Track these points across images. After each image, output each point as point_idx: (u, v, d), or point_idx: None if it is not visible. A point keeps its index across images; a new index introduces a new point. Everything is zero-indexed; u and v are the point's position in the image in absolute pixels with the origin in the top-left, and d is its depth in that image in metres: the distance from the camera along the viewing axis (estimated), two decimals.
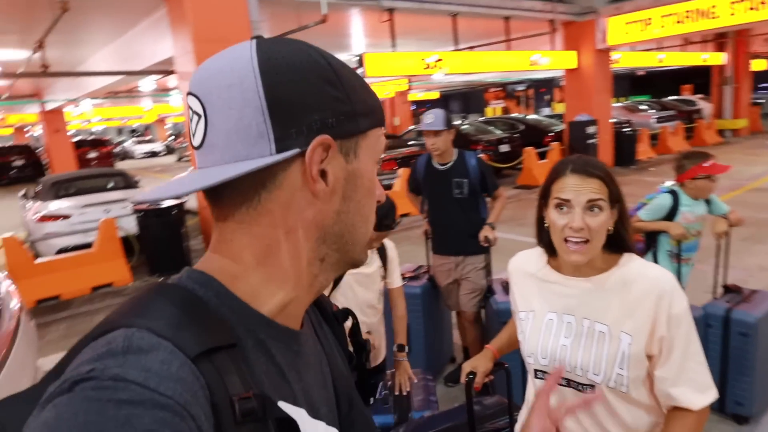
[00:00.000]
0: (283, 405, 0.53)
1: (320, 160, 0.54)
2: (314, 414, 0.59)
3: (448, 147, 3.33)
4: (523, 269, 1.46)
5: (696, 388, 1.23)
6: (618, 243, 1.31)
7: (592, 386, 1.27)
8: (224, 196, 0.56)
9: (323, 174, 0.55)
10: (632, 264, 1.30)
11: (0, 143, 25.06)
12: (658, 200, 3.14)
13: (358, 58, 9.02)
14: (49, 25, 7.21)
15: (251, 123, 0.52)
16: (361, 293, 2.39)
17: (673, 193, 3.11)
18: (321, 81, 0.54)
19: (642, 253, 3.26)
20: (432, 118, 3.25)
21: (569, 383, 1.31)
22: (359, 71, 8.98)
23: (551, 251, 1.37)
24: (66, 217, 6.94)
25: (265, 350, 0.55)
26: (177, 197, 0.54)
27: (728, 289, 3.23)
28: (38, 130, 26.71)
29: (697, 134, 15.61)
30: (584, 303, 1.30)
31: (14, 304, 1.71)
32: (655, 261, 3.18)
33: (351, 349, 0.77)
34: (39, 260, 6.16)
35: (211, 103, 0.53)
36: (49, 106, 17.05)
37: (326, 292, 2.35)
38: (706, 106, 18.12)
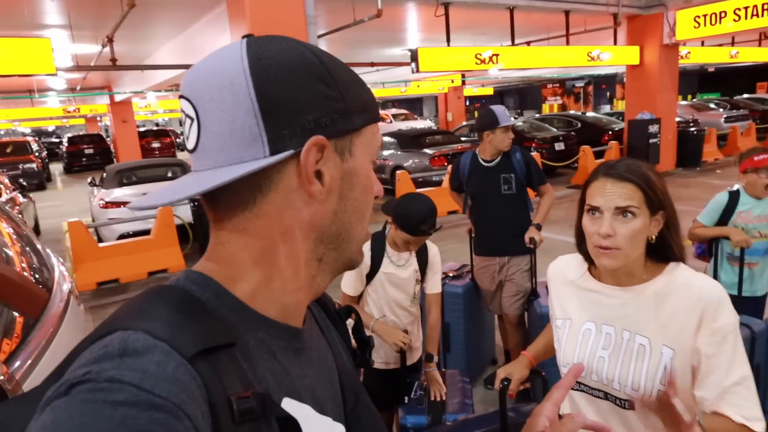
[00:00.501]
0: (289, 402, 0.54)
1: (315, 160, 0.54)
2: (320, 410, 0.59)
3: None
4: (563, 275, 1.41)
5: (740, 414, 1.12)
6: (664, 252, 1.24)
7: (630, 401, 1.21)
8: (220, 200, 0.55)
9: (319, 174, 0.54)
10: (677, 273, 1.22)
11: (73, 132, 26.62)
12: (714, 199, 3.04)
13: (411, 52, 8.99)
14: (117, 21, 7.58)
15: (244, 125, 0.51)
16: (392, 292, 2.38)
17: (733, 192, 3.00)
18: (313, 79, 0.53)
19: (707, 257, 3.15)
20: (508, 114, 3.26)
21: (607, 396, 1.25)
22: (412, 66, 8.94)
23: (590, 258, 1.31)
24: (127, 203, 7.30)
25: (266, 348, 0.55)
26: (171, 204, 0.53)
27: None
28: (108, 121, 28.20)
29: None
30: (624, 314, 1.24)
31: (65, 287, 1.83)
32: (716, 265, 3.05)
33: (354, 345, 0.77)
34: (102, 244, 6.51)
35: (203, 106, 0.53)
36: (118, 98, 17.97)
37: (359, 287, 2.37)
38: None
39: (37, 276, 1.86)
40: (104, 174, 8.50)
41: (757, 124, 15.09)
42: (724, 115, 15.59)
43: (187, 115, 0.54)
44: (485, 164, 3.32)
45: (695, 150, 11.99)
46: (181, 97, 0.56)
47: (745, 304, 2.93)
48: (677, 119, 12.06)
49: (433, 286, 2.54)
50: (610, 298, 1.27)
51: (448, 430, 1.95)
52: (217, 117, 0.52)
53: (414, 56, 8.85)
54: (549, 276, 1.46)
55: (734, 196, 2.99)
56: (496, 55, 9.39)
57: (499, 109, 3.27)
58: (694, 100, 20.12)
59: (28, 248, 1.96)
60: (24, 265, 1.88)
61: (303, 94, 0.53)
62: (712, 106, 16.94)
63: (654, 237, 1.21)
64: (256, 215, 0.54)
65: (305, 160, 0.52)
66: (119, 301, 5.77)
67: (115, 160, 19.16)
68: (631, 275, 1.24)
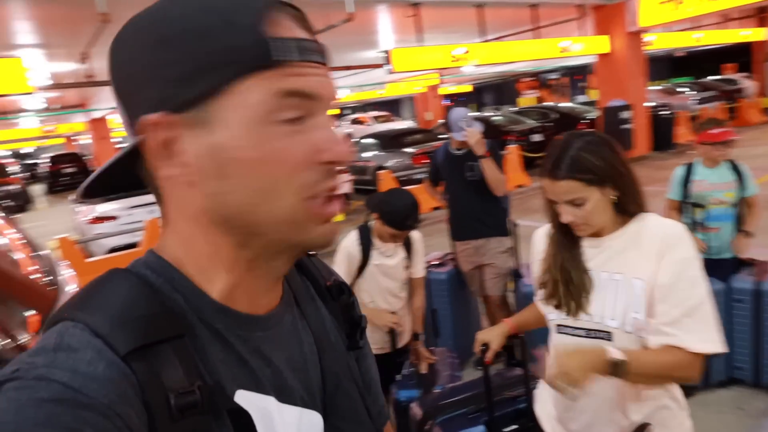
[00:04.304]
0: (244, 393, 0.51)
1: (160, 143, 0.48)
2: (287, 399, 0.56)
3: None
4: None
5: (697, 337, 1.22)
6: (628, 208, 1.37)
7: (609, 333, 1.33)
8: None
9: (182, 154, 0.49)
10: (647, 219, 1.37)
11: (52, 152, 26.33)
12: (674, 173, 3.29)
13: (385, 54, 9.15)
14: (92, 38, 7.61)
15: (123, 116, 0.52)
16: (384, 282, 2.52)
17: (689, 164, 3.23)
18: (150, 46, 0.47)
19: None
20: (465, 124, 3.27)
21: (588, 333, 1.38)
22: (387, 67, 9.07)
23: (562, 230, 1.44)
24: (114, 218, 7.36)
25: (221, 339, 0.52)
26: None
27: (742, 263, 3.22)
28: (86, 139, 27.89)
29: (740, 114, 15.03)
30: (602, 259, 1.39)
31: (70, 288, 1.96)
32: None
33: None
34: (90, 259, 6.56)
35: None
36: (95, 115, 17.87)
37: (349, 280, 2.48)
38: (749, 85, 17.42)
39: (46, 277, 1.99)
40: None
41: (727, 104, 15.53)
42: (695, 98, 16.01)
43: None
44: (455, 153, 3.50)
45: (668, 133, 12.30)
46: None
47: (713, 267, 3.13)
48: (649, 104, 12.38)
49: (418, 270, 2.67)
50: (590, 249, 1.42)
51: (436, 398, 2.10)
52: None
53: (388, 57, 9.01)
54: (535, 241, 1.58)
55: (690, 168, 3.22)
56: (468, 52, 9.59)
57: (454, 117, 3.35)
58: (666, 84, 20.57)
59: (35, 254, 2.10)
60: (33, 268, 2.02)
61: (140, 68, 0.48)
62: (682, 89, 17.36)
63: (615, 196, 1.35)
64: (165, 203, 0.53)
65: (146, 146, 0.48)
66: None
67: None
68: (605, 229, 1.39)
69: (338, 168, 0.52)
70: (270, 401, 0.54)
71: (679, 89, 17.35)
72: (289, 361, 0.58)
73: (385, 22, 11.48)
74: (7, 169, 17.41)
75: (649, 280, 1.30)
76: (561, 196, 1.33)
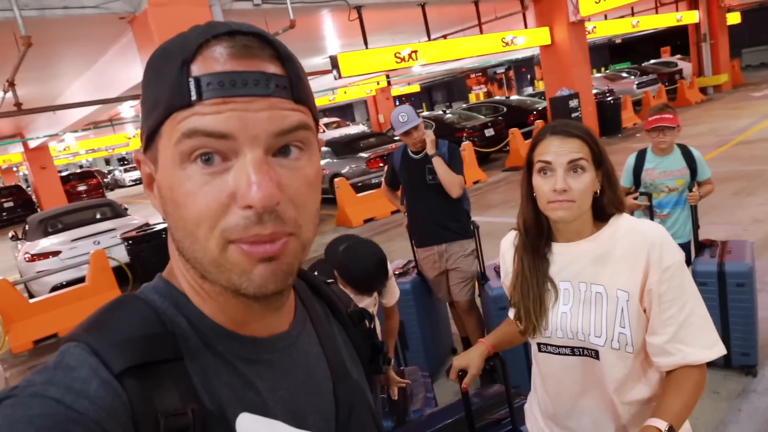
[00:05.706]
0: (248, 417, 0.51)
1: (146, 176, 0.54)
2: (298, 423, 0.56)
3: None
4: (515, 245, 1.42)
5: (700, 345, 1.17)
6: (606, 208, 1.28)
7: (595, 351, 1.23)
8: None
9: None
10: (621, 221, 1.27)
11: None
12: (626, 162, 3.25)
13: (331, 59, 8.97)
14: (16, 64, 7.14)
15: None
16: None
17: (640, 152, 3.21)
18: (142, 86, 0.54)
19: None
20: (405, 117, 3.20)
21: (573, 351, 1.27)
22: (334, 73, 8.91)
23: (535, 226, 1.32)
24: (56, 253, 6.89)
25: (225, 362, 0.53)
26: None
27: (702, 245, 3.20)
28: (25, 170, 26.55)
29: (680, 95, 15.59)
30: (578, 268, 1.28)
31: None
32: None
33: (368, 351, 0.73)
34: (33, 300, 6.10)
35: None
36: (33, 144, 16.96)
37: None
38: (686, 66, 18.10)
39: None
40: (26, 226, 7.99)
41: (666, 86, 16.04)
42: (636, 82, 16.50)
43: None
44: (414, 156, 3.35)
45: (614, 118, 12.61)
46: None
47: None
48: (594, 91, 12.64)
49: (390, 300, 2.48)
50: (562, 255, 1.30)
51: (413, 429, 1.94)
52: None
53: (334, 63, 8.84)
54: (503, 250, 1.46)
55: (641, 156, 3.20)
56: (415, 51, 9.52)
57: (393, 115, 3.24)
58: (607, 71, 21.14)
59: None
60: None
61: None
62: (623, 75, 17.87)
63: (598, 191, 1.26)
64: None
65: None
66: None
67: (39, 209, 18.05)
68: (579, 233, 1.28)
69: (262, 212, 0.47)
70: (278, 425, 0.53)
71: (621, 75, 17.84)
72: (303, 384, 0.58)
73: (329, 27, 11.31)
74: None
75: (635, 292, 1.20)
76: (567, 155, 1.21)
